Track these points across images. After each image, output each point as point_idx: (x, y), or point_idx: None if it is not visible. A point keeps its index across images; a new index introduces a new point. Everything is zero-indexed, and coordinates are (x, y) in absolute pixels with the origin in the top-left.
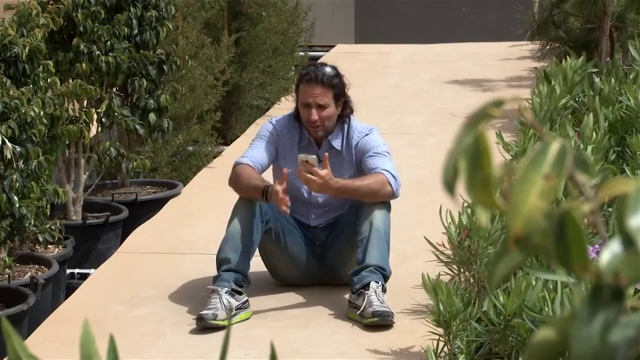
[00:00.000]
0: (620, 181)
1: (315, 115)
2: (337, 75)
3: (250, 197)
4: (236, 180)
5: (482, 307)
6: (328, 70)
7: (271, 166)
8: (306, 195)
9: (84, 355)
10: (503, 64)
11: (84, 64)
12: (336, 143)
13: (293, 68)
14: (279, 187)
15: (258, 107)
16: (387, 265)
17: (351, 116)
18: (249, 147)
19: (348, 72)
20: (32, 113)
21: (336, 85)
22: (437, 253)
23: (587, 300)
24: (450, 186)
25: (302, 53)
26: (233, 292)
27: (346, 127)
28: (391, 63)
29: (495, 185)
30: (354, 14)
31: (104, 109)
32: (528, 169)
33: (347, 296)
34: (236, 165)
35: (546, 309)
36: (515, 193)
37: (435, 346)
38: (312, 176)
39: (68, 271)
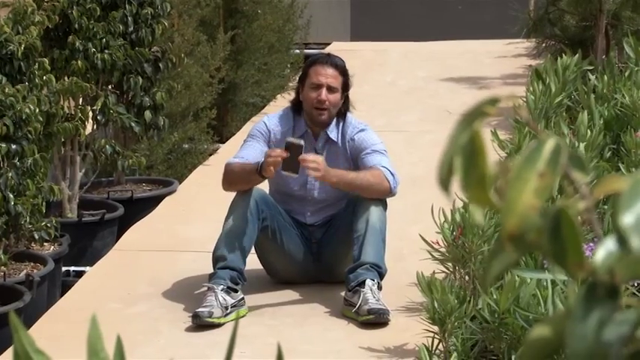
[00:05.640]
0: (614, 178)
1: (325, 94)
2: (346, 67)
3: (248, 182)
4: (229, 176)
5: (477, 305)
6: (340, 59)
7: None
8: (299, 192)
9: (91, 351)
10: (498, 61)
11: (79, 62)
12: (333, 135)
13: (289, 66)
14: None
15: (254, 105)
16: (383, 263)
17: (347, 112)
18: (241, 147)
19: None
20: (27, 111)
21: (346, 75)
22: (432, 251)
23: (582, 298)
24: (445, 184)
25: (298, 51)
26: (229, 290)
27: (342, 121)
28: (387, 60)
29: (491, 183)
30: (349, 12)
31: (100, 107)
32: (523, 167)
33: (343, 294)
34: (227, 165)
35: (539, 308)
36: (509, 190)
37: (430, 344)
38: (308, 161)
39: (64, 268)
